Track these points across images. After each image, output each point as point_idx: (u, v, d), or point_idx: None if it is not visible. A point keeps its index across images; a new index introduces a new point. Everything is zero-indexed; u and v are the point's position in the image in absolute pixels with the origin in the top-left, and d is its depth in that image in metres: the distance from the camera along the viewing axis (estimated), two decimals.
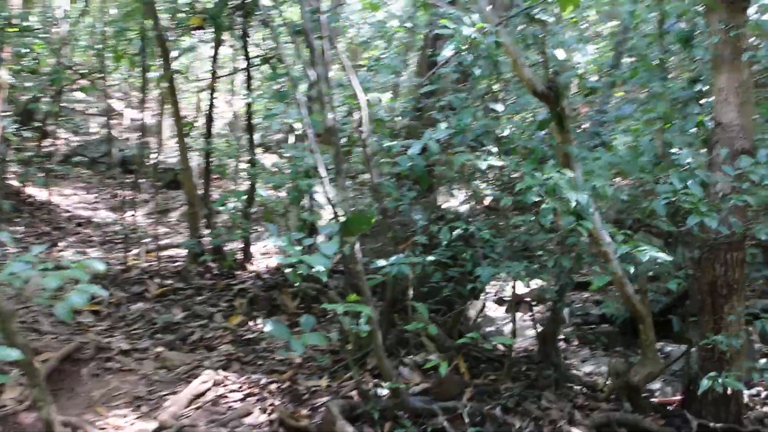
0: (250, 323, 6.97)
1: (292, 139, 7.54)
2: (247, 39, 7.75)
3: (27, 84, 12.57)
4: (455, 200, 8.36)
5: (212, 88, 8.19)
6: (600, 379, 6.78)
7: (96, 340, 6.38)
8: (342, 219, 4.60)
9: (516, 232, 5.43)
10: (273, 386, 5.53)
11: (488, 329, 8.51)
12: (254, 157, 7.64)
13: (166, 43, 7.18)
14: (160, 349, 6.38)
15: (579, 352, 8.39)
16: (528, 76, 4.79)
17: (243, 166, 11.37)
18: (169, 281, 7.95)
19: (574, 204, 4.12)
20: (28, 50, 10.67)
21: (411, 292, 5.50)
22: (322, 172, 5.36)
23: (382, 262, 5.11)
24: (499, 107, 5.34)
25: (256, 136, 14.13)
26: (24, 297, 7.39)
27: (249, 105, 7.81)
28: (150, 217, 12.68)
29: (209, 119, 8.34)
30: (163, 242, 10.73)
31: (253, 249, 8.60)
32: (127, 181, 12.21)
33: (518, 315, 8.80)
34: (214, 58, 8.23)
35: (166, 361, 6.13)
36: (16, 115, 14.96)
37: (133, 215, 10.36)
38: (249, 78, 7.89)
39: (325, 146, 5.31)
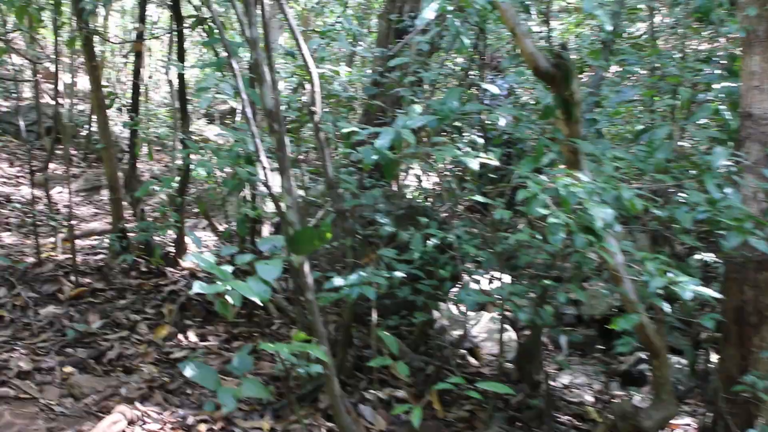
0: (180, 337, 5.88)
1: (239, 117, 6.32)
2: None
3: None
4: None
5: (139, 53, 7.00)
6: (588, 407, 5.86)
7: None
8: (288, 221, 3.56)
9: (506, 243, 4.40)
10: (202, 428, 4.49)
11: (455, 333, 7.54)
12: (188, 135, 6.48)
13: None
14: (68, 369, 5.28)
15: (554, 358, 7.48)
16: (530, 49, 3.76)
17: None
18: (88, 279, 6.80)
19: (599, 223, 3.12)
20: None
21: (375, 316, 4.47)
22: (263, 159, 4.34)
23: (339, 281, 4.07)
24: (494, 88, 4.28)
25: (196, 108, 12.97)
26: None
27: (181, 75, 6.63)
28: (78, 195, 11.45)
29: (135, 89, 7.16)
30: (87, 226, 9.57)
31: (187, 240, 7.47)
32: (57, 153, 10.97)
33: (486, 315, 7.87)
34: (141, 17, 7.03)
35: (74, 388, 5.03)
36: None
37: (55, 194, 9.18)
38: (181, 42, 6.70)
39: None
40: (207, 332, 6.05)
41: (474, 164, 3.55)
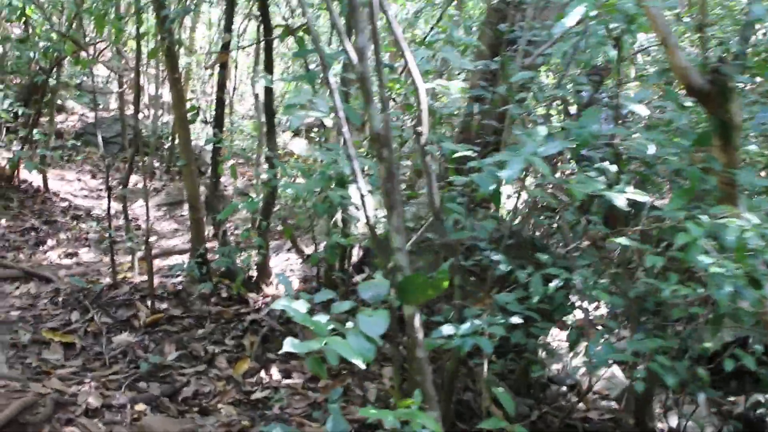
0: (262, 374, 5.36)
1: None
2: (267, 3, 6.07)
3: (29, 54, 11.05)
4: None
5: (224, 65, 6.55)
6: None
7: (57, 390, 4.85)
8: (397, 266, 3.00)
9: (639, 289, 3.75)
10: None
11: (554, 367, 6.86)
12: (274, 152, 6.00)
13: (163, 5, 5.57)
14: (140, 407, 4.81)
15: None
16: (682, 63, 3.14)
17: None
18: (164, 305, 6.36)
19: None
20: (16, 15, 9.14)
21: (486, 368, 3.86)
22: (361, 185, 3.80)
23: (448, 330, 3.49)
24: (642, 110, 3.64)
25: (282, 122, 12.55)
26: None
27: (269, 88, 6.15)
28: (159, 209, 11.15)
29: (220, 103, 6.71)
30: (166, 244, 9.20)
31: (272, 263, 6.98)
32: (138, 165, 10.70)
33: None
34: (227, 26, 6.58)
35: (145, 430, 4.57)
36: (21, 89, 13.50)
37: (137, 207, 8.84)
38: (269, 53, 6.22)
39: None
40: (291, 368, 5.52)
41: (620, 201, 2.93)
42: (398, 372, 3.59)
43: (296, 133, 15.49)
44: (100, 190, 11.88)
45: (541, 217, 5.39)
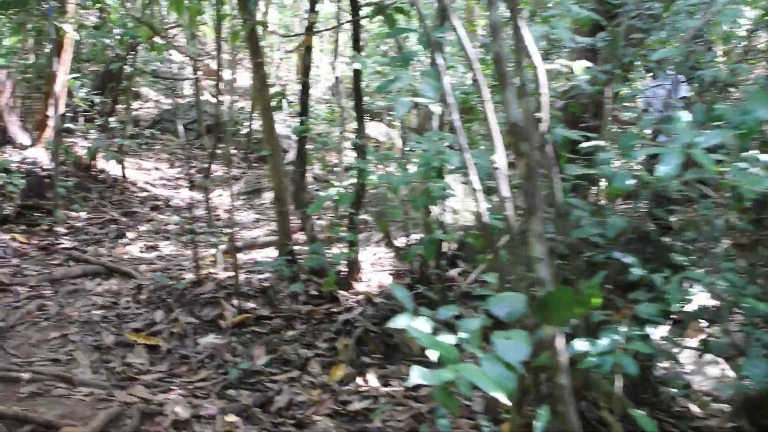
0: (359, 380, 4.97)
1: (435, 122, 5.35)
2: None
3: (104, 41, 10.85)
4: None
5: (309, 47, 6.14)
6: None
7: (143, 399, 4.55)
8: (539, 279, 2.56)
9: None
10: None
11: (661, 366, 6.34)
12: (363, 142, 5.58)
13: None
14: (231, 419, 4.47)
15: None
16: None
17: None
18: (251, 303, 6.03)
19: None
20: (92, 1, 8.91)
21: (619, 385, 3.38)
22: (475, 180, 3.40)
23: (583, 346, 3.03)
24: None
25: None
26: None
27: (357, 71, 5.72)
28: (239, 198, 10.87)
29: (304, 88, 6.31)
30: (249, 235, 8.89)
31: (360, 257, 6.59)
32: (216, 152, 10.44)
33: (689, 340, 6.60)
34: (311, 6, 6.16)
35: None
36: (97, 77, 13.38)
37: (215, 197, 8.55)
38: (356, 33, 5.77)
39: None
40: (389, 374, 5.13)
41: None
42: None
43: (373, 117, 15.07)
44: (179, 178, 11.67)
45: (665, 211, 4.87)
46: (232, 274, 6.08)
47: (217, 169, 11.98)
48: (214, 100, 14.84)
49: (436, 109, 3.74)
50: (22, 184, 8.69)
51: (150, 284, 6.54)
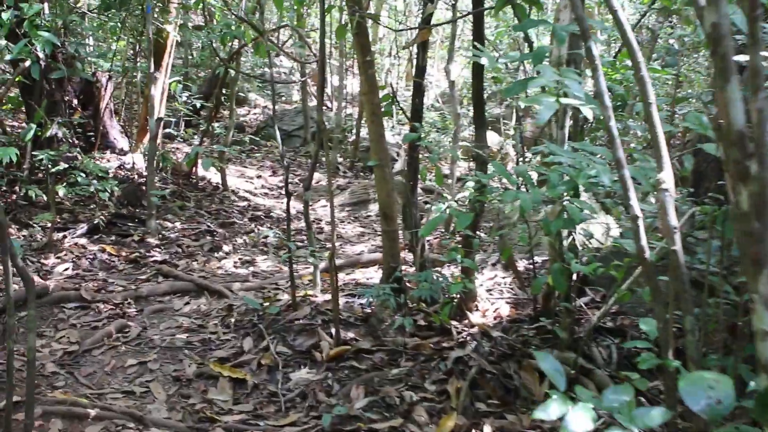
0: None
1: (558, 129, 4.55)
2: None
3: (210, 43, 10.41)
4: None
5: (424, 44, 5.40)
6: None
7: None
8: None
9: None
10: None
11: None
12: (486, 153, 4.80)
13: None
14: None
15: None
16: None
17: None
18: (351, 333, 5.32)
19: None
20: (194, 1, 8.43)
21: None
22: (635, 205, 2.65)
23: None
24: None
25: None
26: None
27: (478, 70, 4.94)
28: (343, 209, 10.23)
29: (418, 90, 5.57)
30: (352, 250, 8.22)
31: (476, 282, 5.79)
32: (319, 160, 9.86)
33: None
34: None
35: None
36: (204, 82, 13.02)
37: (319, 207, 7.89)
38: (479, 26, 4.97)
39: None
40: (508, 426, 4.32)
41: None
42: None
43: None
44: (281, 187, 11.12)
45: None
46: (329, 297, 5.39)
47: (321, 179, 11.41)
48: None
49: (587, 112, 2.94)
50: (117, 191, 8.26)
51: (241, 306, 5.92)
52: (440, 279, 4.90)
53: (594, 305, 5.62)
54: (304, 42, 8.75)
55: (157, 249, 7.56)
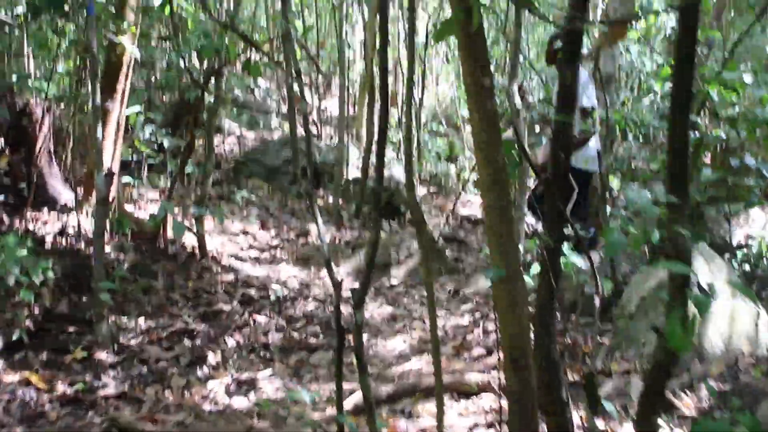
0: None
1: None
2: None
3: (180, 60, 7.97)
4: None
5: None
6: None
7: None
8: None
9: None
10: None
11: None
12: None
13: None
14: None
15: None
16: None
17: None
18: None
19: None
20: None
21: None
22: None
23: None
24: None
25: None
26: None
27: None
28: (358, 277, 7.71)
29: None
30: (388, 349, 5.81)
31: None
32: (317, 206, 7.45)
33: None
34: None
35: None
36: (169, 110, 10.45)
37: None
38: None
39: None
40: None
41: None
42: None
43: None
44: (275, 246, 8.61)
45: None
46: None
47: (328, 231, 8.91)
48: (316, 137, 11.81)
49: None
50: (53, 274, 5.69)
51: None
52: None
53: None
54: (311, 59, 6.32)
55: (111, 371, 5.00)
